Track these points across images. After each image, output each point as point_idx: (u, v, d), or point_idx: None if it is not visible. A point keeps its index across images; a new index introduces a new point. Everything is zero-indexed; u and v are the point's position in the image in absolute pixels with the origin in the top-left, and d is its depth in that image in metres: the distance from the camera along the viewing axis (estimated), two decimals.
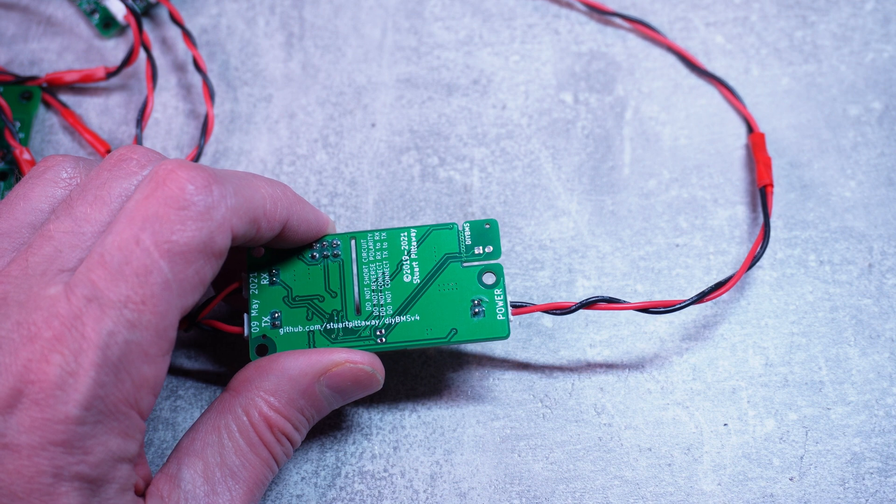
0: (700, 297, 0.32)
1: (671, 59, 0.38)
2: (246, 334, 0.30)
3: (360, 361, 0.29)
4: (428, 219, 0.36)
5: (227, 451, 0.28)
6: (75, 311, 0.24)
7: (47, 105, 0.38)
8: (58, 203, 0.28)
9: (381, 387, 0.30)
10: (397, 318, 0.30)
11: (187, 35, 0.38)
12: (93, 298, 0.24)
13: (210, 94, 0.37)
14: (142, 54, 0.39)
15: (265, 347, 0.30)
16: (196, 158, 0.36)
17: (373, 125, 0.38)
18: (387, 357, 0.33)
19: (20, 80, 0.38)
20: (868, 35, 0.38)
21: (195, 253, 0.25)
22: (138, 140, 0.36)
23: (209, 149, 0.37)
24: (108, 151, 0.37)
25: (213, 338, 0.34)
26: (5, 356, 0.23)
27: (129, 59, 0.37)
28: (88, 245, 0.26)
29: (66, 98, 0.38)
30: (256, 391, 0.28)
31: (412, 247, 0.30)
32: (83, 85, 0.39)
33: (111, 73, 0.38)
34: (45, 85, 0.38)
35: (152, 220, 0.24)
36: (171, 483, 0.27)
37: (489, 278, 0.30)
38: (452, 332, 0.30)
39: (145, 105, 0.36)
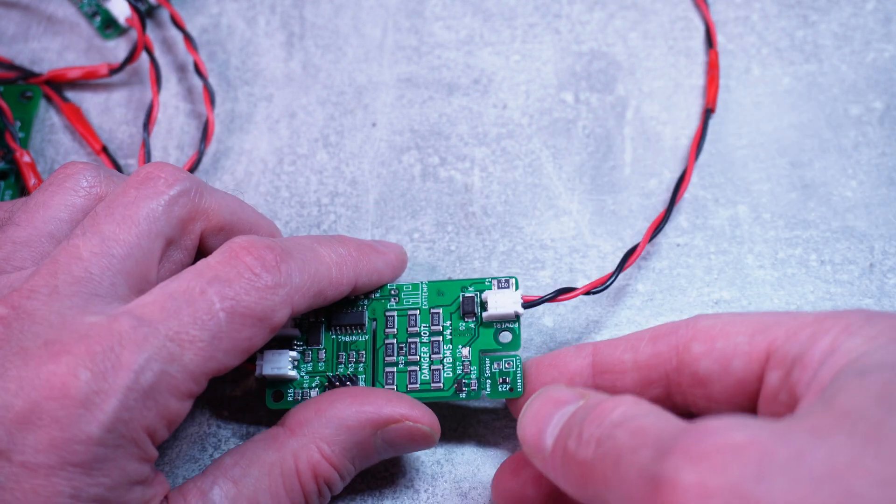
0: (619, 268, 0.32)
1: (672, 59, 0.38)
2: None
3: (419, 420, 0.28)
4: (428, 218, 0.36)
5: (262, 487, 0.27)
6: (116, 333, 0.23)
7: (49, 100, 0.38)
8: (78, 212, 0.28)
9: (435, 445, 0.29)
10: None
11: (188, 39, 0.38)
12: (140, 325, 0.24)
13: (211, 98, 0.37)
14: (144, 54, 0.39)
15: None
16: (196, 162, 0.36)
17: (373, 125, 0.38)
18: None
19: (24, 76, 0.38)
20: (869, 35, 0.38)
21: (253, 319, 0.25)
22: (145, 144, 0.36)
23: (210, 148, 0.37)
24: (103, 149, 0.37)
25: None
26: (28, 371, 0.23)
27: (131, 57, 0.37)
28: (119, 268, 0.25)
29: (67, 96, 0.38)
30: (313, 437, 0.28)
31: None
32: (85, 82, 0.39)
33: (114, 70, 0.38)
34: (47, 82, 0.38)
35: (221, 280, 0.25)
36: (200, 498, 0.26)
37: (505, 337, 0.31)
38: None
39: (151, 109, 0.36)
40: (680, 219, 0.35)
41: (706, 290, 0.34)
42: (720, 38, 0.39)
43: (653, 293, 0.34)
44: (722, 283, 0.34)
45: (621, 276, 0.34)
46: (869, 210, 0.35)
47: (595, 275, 0.34)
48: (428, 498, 0.31)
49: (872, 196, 0.35)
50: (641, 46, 0.39)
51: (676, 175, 0.36)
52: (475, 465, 0.32)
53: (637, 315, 0.34)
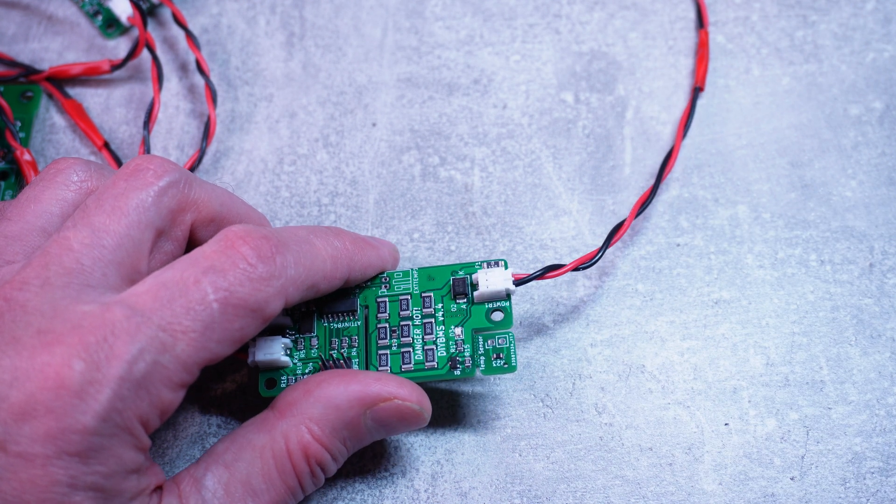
0: (607, 242, 0.32)
1: (672, 59, 0.38)
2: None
3: (408, 398, 0.28)
4: (428, 218, 0.36)
5: (254, 470, 0.27)
6: (110, 323, 0.23)
7: (50, 97, 0.38)
8: (69, 207, 0.28)
9: (426, 424, 0.29)
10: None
11: (190, 37, 0.38)
12: (133, 315, 0.24)
13: (213, 97, 0.37)
14: (146, 54, 0.39)
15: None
16: (198, 161, 0.36)
17: (373, 125, 0.38)
18: None
19: (25, 73, 0.38)
20: (869, 35, 0.38)
21: (246, 310, 0.25)
22: (146, 142, 0.36)
23: (210, 148, 0.37)
24: (105, 145, 0.37)
25: None
26: (22, 361, 0.23)
27: (133, 53, 0.37)
28: (110, 259, 0.25)
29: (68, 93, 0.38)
30: (301, 418, 0.28)
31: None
32: (86, 79, 0.39)
33: (116, 66, 0.38)
34: (48, 79, 0.38)
35: (216, 270, 0.25)
36: (193, 485, 0.27)
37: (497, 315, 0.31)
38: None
39: (152, 107, 0.36)
40: (680, 219, 0.35)
41: (706, 289, 0.34)
42: (720, 38, 0.39)
43: (653, 293, 0.34)
44: (722, 283, 0.34)
45: (621, 275, 0.35)
46: (868, 210, 0.35)
47: (595, 273, 0.35)
48: (428, 498, 0.31)
49: (872, 196, 0.35)
50: (641, 46, 0.39)
51: (676, 175, 0.36)
52: (475, 465, 0.32)
53: (637, 315, 0.34)
